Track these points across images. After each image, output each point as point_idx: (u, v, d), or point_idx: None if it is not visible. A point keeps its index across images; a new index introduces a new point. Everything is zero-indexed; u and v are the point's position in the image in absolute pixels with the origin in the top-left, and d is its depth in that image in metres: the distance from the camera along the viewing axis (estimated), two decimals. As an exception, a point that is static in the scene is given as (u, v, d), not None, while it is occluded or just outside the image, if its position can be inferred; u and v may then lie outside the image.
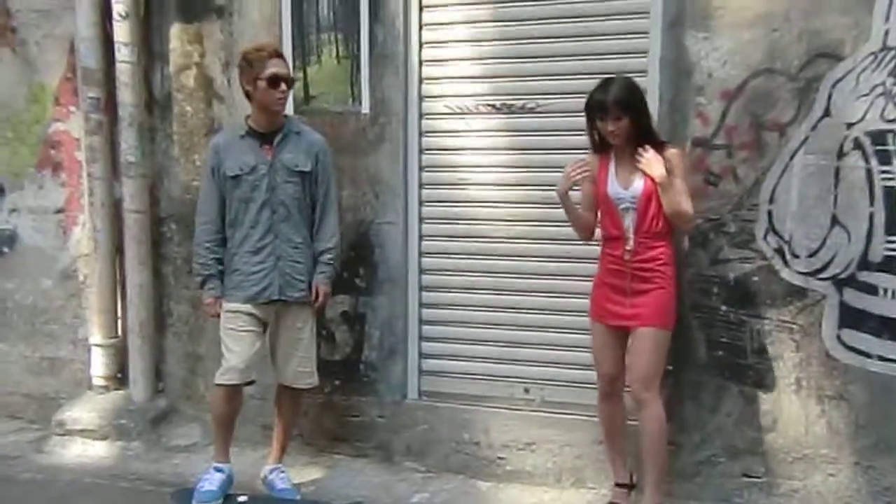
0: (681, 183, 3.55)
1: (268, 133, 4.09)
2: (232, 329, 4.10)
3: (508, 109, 4.35)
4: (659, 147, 3.56)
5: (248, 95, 4.07)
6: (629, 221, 3.59)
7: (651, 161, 3.50)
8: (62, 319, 5.36)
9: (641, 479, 3.73)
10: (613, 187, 3.62)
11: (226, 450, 4.19)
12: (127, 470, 4.63)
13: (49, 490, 4.40)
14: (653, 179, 3.52)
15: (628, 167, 3.60)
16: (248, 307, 4.08)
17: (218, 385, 4.11)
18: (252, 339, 4.11)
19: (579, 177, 3.66)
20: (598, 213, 3.78)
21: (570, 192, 3.72)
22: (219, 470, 4.12)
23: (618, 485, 3.85)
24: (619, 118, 3.51)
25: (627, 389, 3.72)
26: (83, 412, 5.06)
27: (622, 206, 3.60)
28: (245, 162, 4.05)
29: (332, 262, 4.21)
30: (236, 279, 4.09)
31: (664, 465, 3.64)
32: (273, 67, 3.97)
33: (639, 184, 3.56)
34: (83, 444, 4.95)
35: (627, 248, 3.59)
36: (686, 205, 3.55)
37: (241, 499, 4.11)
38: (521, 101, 4.30)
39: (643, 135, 3.57)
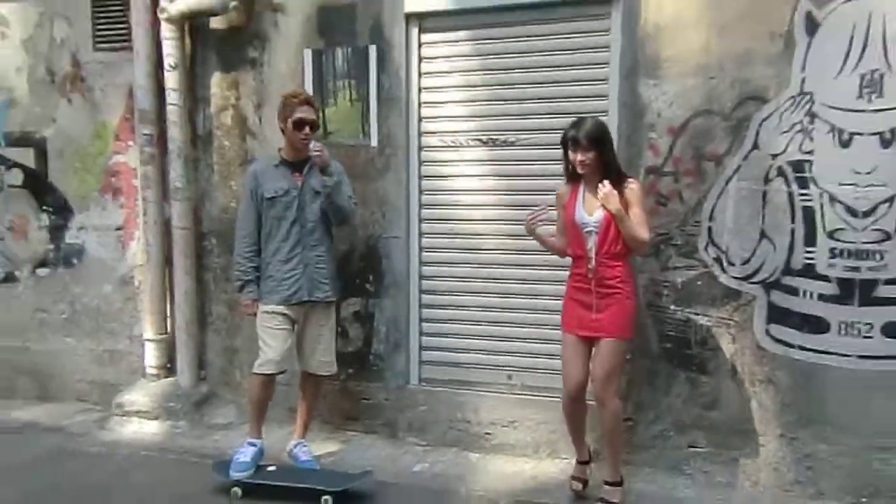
0: (639, 212, 3.49)
1: (297, 162, 4.11)
2: (269, 327, 4.10)
3: (493, 143, 4.38)
4: (621, 180, 3.52)
5: (282, 130, 4.11)
6: (592, 243, 3.53)
7: (608, 196, 3.44)
8: (121, 319, 5.37)
9: (604, 458, 3.76)
10: (580, 213, 3.56)
11: (259, 428, 4.18)
12: (175, 445, 4.64)
13: (110, 462, 4.42)
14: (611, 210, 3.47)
15: (594, 196, 3.52)
16: (282, 308, 4.09)
17: (256, 374, 4.11)
18: (286, 335, 4.12)
19: (535, 223, 3.63)
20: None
21: (541, 227, 3.68)
22: (252, 444, 4.11)
23: (579, 462, 3.84)
24: (588, 150, 3.47)
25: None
26: (138, 396, 5.07)
27: (586, 229, 3.54)
28: (280, 186, 4.07)
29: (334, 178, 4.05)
30: (271, 284, 4.10)
31: (621, 447, 3.68)
32: (300, 113, 4.00)
33: (600, 212, 3.49)
34: (138, 423, 4.97)
35: (590, 266, 3.52)
36: (641, 232, 3.48)
37: (270, 468, 4.08)
38: (503, 136, 4.33)
39: (608, 168, 3.52)
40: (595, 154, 3.48)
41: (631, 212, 3.47)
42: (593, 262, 3.51)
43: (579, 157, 3.49)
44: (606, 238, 3.48)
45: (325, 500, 3.75)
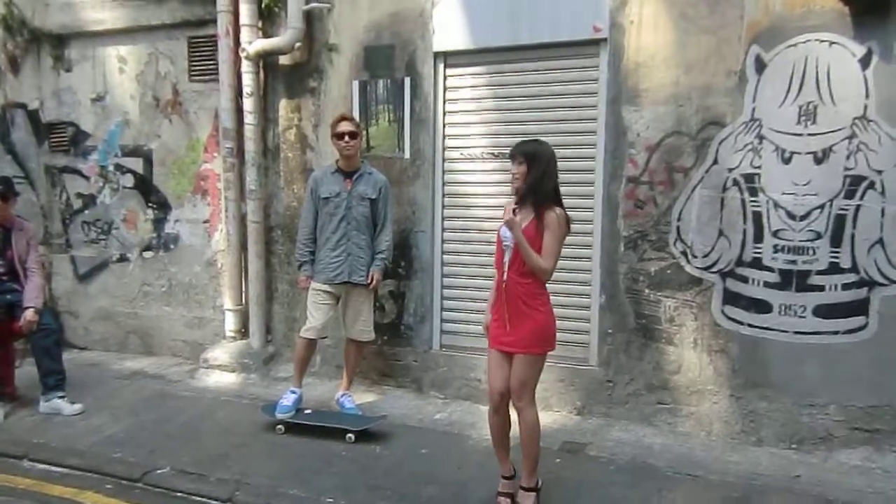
0: (550, 241, 2.98)
1: (349, 172, 4.23)
2: (315, 301, 4.24)
3: (502, 156, 4.34)
4: (548, 206, 3.00)
5: (335, 145, 4.26)
6: (507, 258, 3.06)
7: (505, 219, 3.00)
8: (207, 292, 5.51)
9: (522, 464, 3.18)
10: (503, 229, 3.05)
11: (300, 380, 4.28)
12: (247, 392, 4.77)
13: (199, 403, 4.59)
14: (533, 228, 3.00)
15: (520, 215, 3.02)
16: (326, 286, 4.22)
17: (301, 337, 4.26)
18: (327, 309, 4.24)
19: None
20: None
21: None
22: (293, 392, 4.21)
23: (503, 477, 3.21)
24: (520, 165, 3.03)
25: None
26: (219, 353, 5.20)
27: (505, 244, 3.06)
28: (333, 189, 4.20)
29: (383, 259, 4.29)
30: (320, 266, 4.23)
31: (537, 457, 3.12)
32: (340, 127, 4.15)
33: (517, 230, 2.99)
34: (219, 374, 5.10)
35: (504, 279, 3.06)
36: (538, 261, 2.97)
37: (307, 411, 4.19)
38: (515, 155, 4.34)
39: (536, 190, 3.00)
40: (525, 170, 3.01)
41: (544, 239, 2.98)
42: (506, 276, 3.05)
43: (512, 169, 3.07)
44: (518, 255, 3.01)
45: (349, 437, 3.89)
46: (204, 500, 3.34)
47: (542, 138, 4.30)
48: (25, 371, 4.76)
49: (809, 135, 3.66)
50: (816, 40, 3.62)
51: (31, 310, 4.34)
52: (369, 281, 4.27)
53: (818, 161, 3.66)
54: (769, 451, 3.78)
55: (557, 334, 3.15)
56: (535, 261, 2.98)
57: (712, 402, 3.99)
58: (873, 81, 3.55)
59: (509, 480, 3.20)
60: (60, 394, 4.43)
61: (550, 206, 3.01)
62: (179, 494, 3.39)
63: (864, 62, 3.56)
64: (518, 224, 2.99)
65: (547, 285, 3.09)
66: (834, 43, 3.60)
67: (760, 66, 3.76)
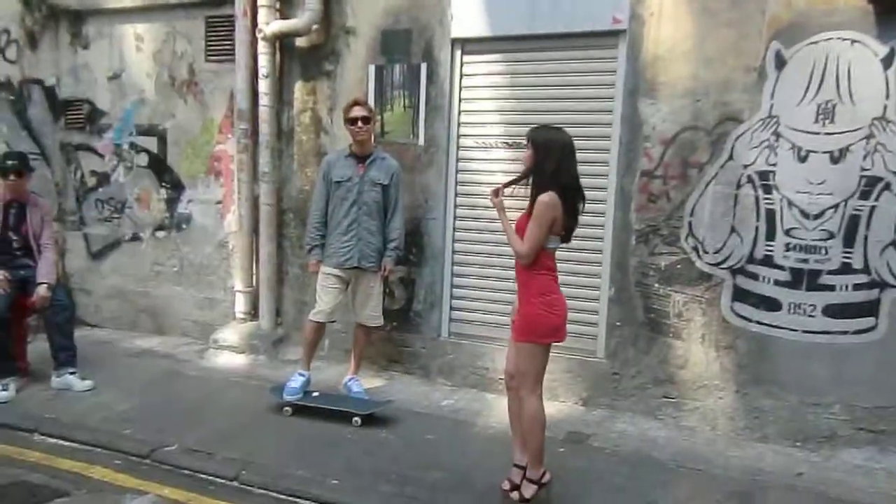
0: (532, 226, 2.89)
1: (361, 156, 4.22)
2: (324, 285, 4.25)
3: (517, 145, 4.34)
4: (540, 191, 2.90)
5: (348, 130, 4.24)
6: None
7: (494, 203, 3.05)
8: (217, 273, 5.54)
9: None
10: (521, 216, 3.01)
11: (308, 363, 4.29)
12: (256, 374, 4.80)
13: (207, 383, 4.62)
14: (528, 215, 2.93)
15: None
16: (336, 271, 4.22)
17: (310, 321, 4.28)
18: (336, 293, 4.25)
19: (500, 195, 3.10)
20: None
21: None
22: (301, 375, 4.22)
23: (515, 465, 3.15)
24: (528, 149, 2.99)
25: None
26: (229, 335, 5.24)
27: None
28: (345, 174, 4.20)
29: (396, 249, 4.30)
30: (330, 251, 4.24)
31: (538, 449, 3.03)
32: (352, 112, 4.14)
33: (520, 215, 3.00)
34: (229, 355, 5.15)
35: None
36: (515, 243, 2.96)
37: (315, 394, 4.19)
38: (525, 140, 4.24)
39: (538, 177, 2.94)
40: (531, 154, 2.96)
41: (529, 224, 2.93)
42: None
43: (524, 153, 3.04)
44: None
45: (356, 421, 3.91)
46: (211, 478, 3.39)
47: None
48: (37, 347, 4.82)
49: (827, 134, 3.64)
50: (838, 38, 3.59)
51: (45, 285, 4.39)
52: (382, 270, 4.29)
53: (834, 161, 3.64)
54: (773, 448, 3.80)
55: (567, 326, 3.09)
56: (512, 243, 2.99)
57: (718, 398, 3.99)
58: (894, 82, 3.52)
59: (518, 469, 3.15)
60: (72, 370, 4.49)
61: (544, 192, 2.89)
62: (186, 472, 3.44)
63: (887, 62, 3.53)
64: (501, 206, 3.04)
65: (557, 278, 3.05)
66: (856, 41, 3.57)
67: (780, 62, 3.73)
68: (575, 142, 3.00)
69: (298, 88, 5.09)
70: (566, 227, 2.97)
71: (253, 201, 5.22)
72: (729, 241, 3.91)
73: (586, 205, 3.06)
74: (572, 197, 2.96)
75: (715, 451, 3.75)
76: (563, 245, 3.08)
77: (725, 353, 3.96)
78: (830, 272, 3.70)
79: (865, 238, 3.62)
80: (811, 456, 3.70)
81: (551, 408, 4.03)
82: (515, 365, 3.08)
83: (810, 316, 3.74)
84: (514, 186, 3.07)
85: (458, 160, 4.67)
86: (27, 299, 4.43)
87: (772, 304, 3.83)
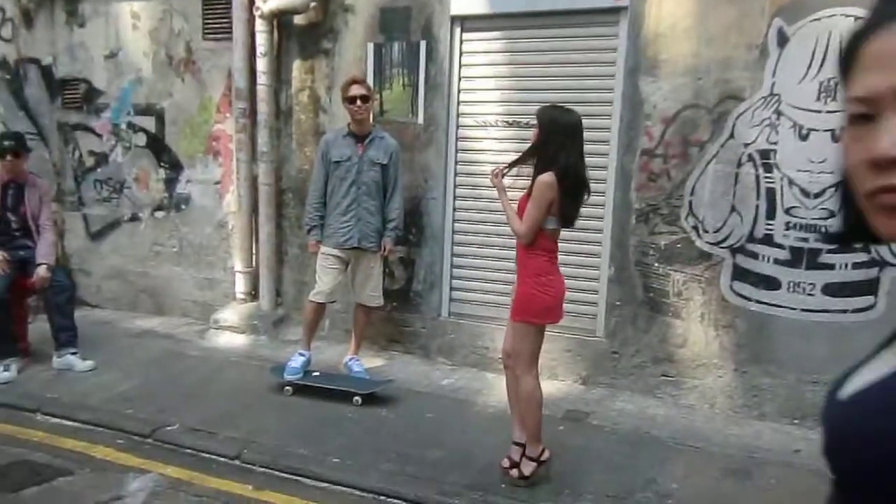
0: (530, 207, 2.90)
1: (360, 135, 4.19)
2: (324, 265, 4.24)
3: (517, 124, 4.38)
4: (542, 172, 2.90)
5: (346, 108, 4.21)
6: None
7: (494, 184, 3.08)
8: (217, 254, 5.53)
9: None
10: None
11: (308, 343, 4.29)
12: (256, 354, 4.82)
13: (208, 363, 4.68)
14: (528, 195, 2.93)
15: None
16: (336, 251, 4.21)
17: (310, 301, 4.28)
18: (336, 273, 4.24)
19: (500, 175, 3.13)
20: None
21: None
22: (302, 355, 4.23)
23: (515, 443, 3.16)
24: (536, 128, 2.96)
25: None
26: (229, 315, 5.25)
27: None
28: (344, 153, 4.17)
29: (395, 228, 4.29)
30: (329, 231, 4.23)
31: (535, 427, 3.06)
32: (351, 90, 4.09)
33: (521, 196, 3.01)
34: (229, 335, 5.16)
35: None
36: (513, 222, 2.97)
37: (315, 374, 4.21)
38: (525, 119, 4.24)
39: (540, 157, 2.93)
40: (536, 133, 2.95)
41: (528, 204, 2.93)
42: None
43: (532, 132, 3.04)
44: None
45: (356, 400, 3.93)
46: (212, 457, 3.42)
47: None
48: (38, 327, 4.84)
49: (828, 112, 3.61)
50: (842, 14, 3.54)
51: (44, 266, 4.40)
52: (381, 250, 4.29)
53: (836, 139, 3.60)
54: (771, 425, 3.82)
55: (565, 305, 3.12)
56: (511, 223, 3.00)
57: (716, 376, 4.01)
58: (898, 58, 3.48)
59: (517, 446, 3.15)
60: (73, 350, 4.51)
61: (544, 172, 2.88)
62: (188, 451, 3.48)
63: (890, 38, 3.48)
64: (502, 186, 3.06)
65: (556, 258, 3.04)
66: (860, 17, 3.48)
67: (783, 39, 3.69)
68: (579, 121, 2.94)
69: (297, 67, 5.05)
70: (563, 211, 2.93)
71: (252, 181, 5.20)
72: (729, 220, 3.90)
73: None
74: (574, 179, 2.91)
75: (713, 428, 3.78)
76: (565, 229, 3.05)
77: (724, 332, 3.97)
78: (830, 251, 3.69)
79: (866, 216, 3.61)
80: (808, 433, 3.71)
81: (551, 386, 4.10)
82: (510, 342, 3.11)
83: (809, 294, 3.75)
84: (518, 166, 3.04)
85: (457, 139, 4.65)
86: (27, 280, 4.43)
87: (771, 283, 3.84)
